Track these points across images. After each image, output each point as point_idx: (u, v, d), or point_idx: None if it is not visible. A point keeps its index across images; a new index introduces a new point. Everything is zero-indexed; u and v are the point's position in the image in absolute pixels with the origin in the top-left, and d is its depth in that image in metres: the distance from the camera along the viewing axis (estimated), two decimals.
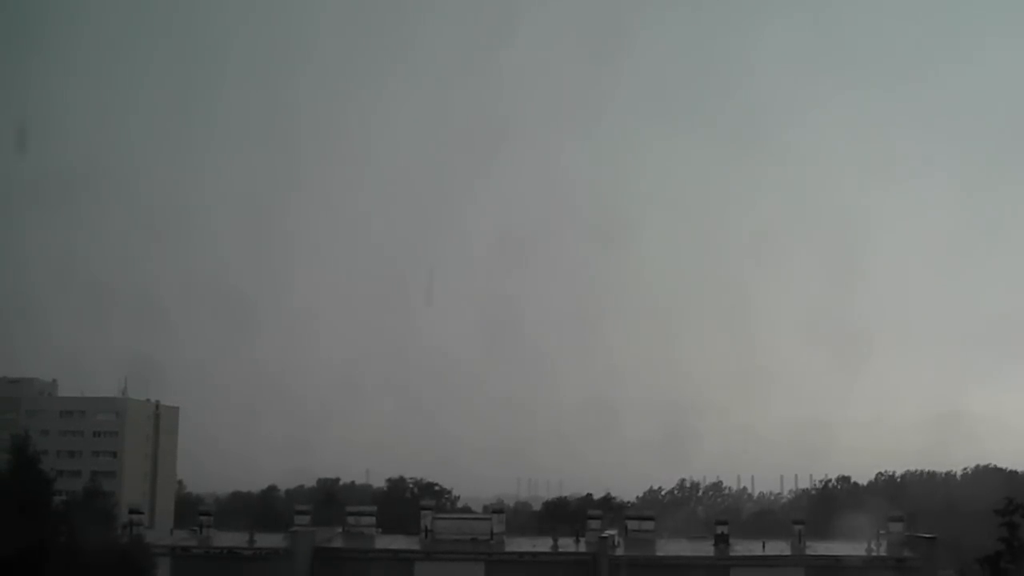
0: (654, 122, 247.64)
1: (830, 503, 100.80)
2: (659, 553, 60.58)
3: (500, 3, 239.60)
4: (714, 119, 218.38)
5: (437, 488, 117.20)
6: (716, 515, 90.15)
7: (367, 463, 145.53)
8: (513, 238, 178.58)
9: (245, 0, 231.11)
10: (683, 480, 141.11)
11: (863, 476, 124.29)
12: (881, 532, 60.83)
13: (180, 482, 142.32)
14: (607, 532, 61.93)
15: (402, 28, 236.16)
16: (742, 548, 61.83)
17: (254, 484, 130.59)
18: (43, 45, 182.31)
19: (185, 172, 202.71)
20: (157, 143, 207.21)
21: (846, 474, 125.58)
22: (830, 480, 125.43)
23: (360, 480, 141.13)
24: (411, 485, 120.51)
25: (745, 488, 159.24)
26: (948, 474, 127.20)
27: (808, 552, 59.07)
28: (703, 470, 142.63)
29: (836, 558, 57.77)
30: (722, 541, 61.95)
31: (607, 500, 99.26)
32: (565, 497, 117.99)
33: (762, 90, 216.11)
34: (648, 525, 64.28)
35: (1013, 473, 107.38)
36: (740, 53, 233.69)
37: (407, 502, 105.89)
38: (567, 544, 61.75)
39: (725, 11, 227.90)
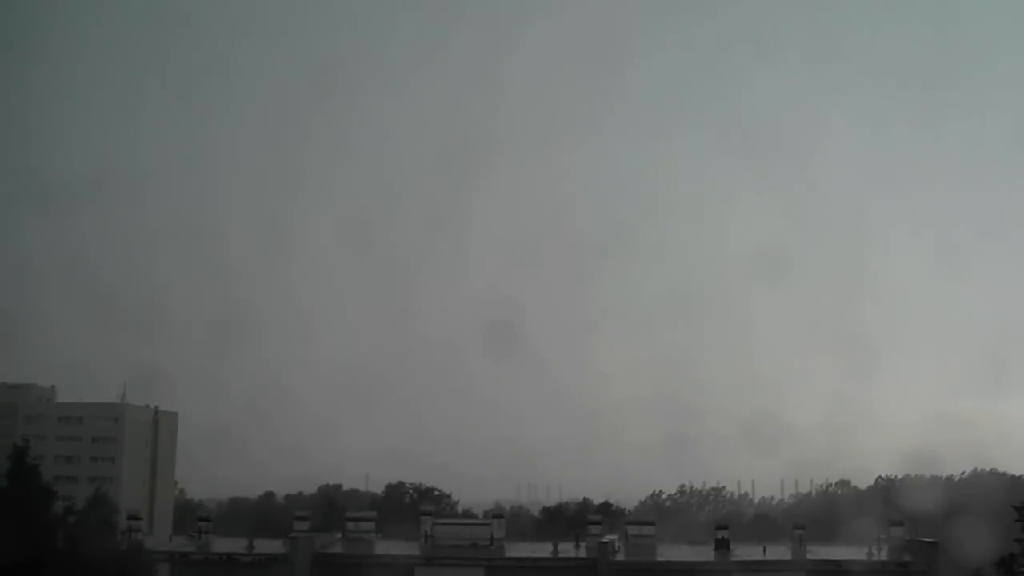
0: (656, 126, 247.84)
1: (831, 507, 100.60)
2: (660, 558, 60.54)
3: (504, 11, 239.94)
4: (716, 125, 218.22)
5: (437, 493, 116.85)
6: (717, 520, 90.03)
7: (366, 468, 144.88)
8: (514, 243, 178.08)
9: (248, 5, 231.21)
10: (683, 485, 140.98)
11: (863, 480, 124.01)
12: (882, 536, 60.83)
13: (179, 488, 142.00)
14: (607, 537, 61.88)
15: (404, 34, 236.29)
16: (743, 553, 61.82)
17: (253, 490, 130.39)
18: (46, 48, 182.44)
19: (185, 176, 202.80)
20: (158, 147, 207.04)
21: (846, 478, 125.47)
22: (831, 484, 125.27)
23: (360, 486, 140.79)
24: (410, 490, 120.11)
25: (746, 493, 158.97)
26: (948, 478, 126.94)
27: (809, 557, 59.06)
28: (703, 475, 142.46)
29: (837, 563, 57.74)
30: (723, 546, 62.00)
31: (607, 505, 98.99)
32: (565, 502, 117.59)
33: (764, 96, 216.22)
34: (648, 530, 64.25)
35: (1014, 477, 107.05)
36: (742, 59, 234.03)
37: (407, 507, 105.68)
38: (567, 549, 61.68)
39: (727, 17, 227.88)
